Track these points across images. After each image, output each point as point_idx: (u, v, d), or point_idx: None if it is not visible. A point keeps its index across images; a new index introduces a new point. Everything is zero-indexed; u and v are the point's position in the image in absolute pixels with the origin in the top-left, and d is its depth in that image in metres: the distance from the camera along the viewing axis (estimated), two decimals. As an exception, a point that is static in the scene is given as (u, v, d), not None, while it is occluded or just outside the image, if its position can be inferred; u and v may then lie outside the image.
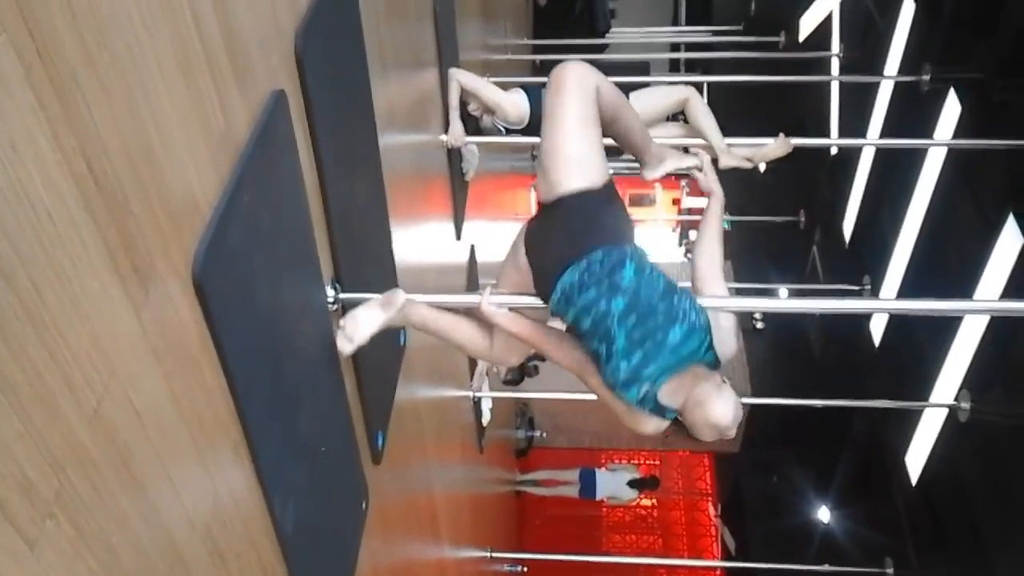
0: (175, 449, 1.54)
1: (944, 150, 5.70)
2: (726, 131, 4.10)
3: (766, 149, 4.11)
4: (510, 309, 2.35)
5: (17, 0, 1.10)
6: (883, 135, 6.80)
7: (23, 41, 1.11)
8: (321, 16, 2.29)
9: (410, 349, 3.41)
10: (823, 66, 8.35)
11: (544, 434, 11.16)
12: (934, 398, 5.60)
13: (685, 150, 4.31)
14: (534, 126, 4.47)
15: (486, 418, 6.35)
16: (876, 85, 6.93)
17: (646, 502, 13.46)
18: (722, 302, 2.33)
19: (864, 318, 6.93)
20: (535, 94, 4.55)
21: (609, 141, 2.35)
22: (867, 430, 7.20)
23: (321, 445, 2.30)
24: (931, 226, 5.97)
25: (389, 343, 2.77)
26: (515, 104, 4.51)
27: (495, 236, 6.43)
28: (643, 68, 11.35)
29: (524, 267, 2.29)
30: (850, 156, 7.68)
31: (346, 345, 2.46)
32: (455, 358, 5.20)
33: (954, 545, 5.59)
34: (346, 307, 2.54)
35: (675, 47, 14.05)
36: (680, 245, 16.30)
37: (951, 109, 5.60)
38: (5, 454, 1.09)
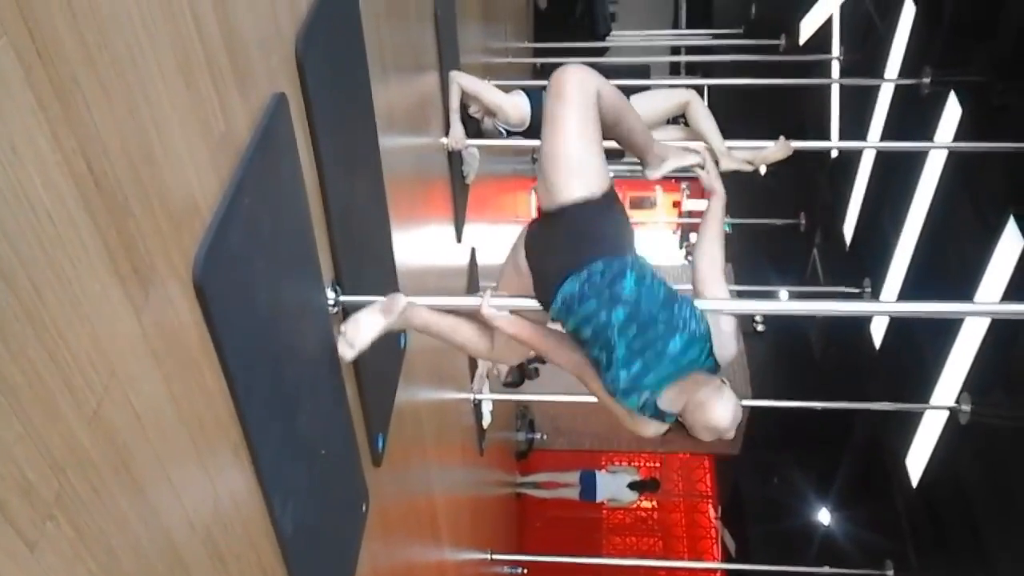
0: (175, 451, 1.54)
1: (944, 153, 5.70)
2: (726, 134, 4.10)
3: (766, 152, 4.11)
4: (510, 312, 2.36)
5: (17, 1, 1.10)
6: (883, 138, 6.80)
7: (23, 42, 1.11)
8: (322, 18, 2.29)
9: (410, 351, 3.41)
10: (823, 69, 8.36)
11: (544, 436, 11.15)
12: (935, 400, 5.59)
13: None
14: (535, 128, 4.48)
15: (486, 420, 6.35)
16: (876, 88, 6.93)
17: (646, 504, 13.44)
18: (723, 305, 2.33)
19: (865, 320, 6.92)
20: (536, 96, 4.55)
21: (610, 143, 2.35)
22: (867, 432, 7.20)
23: (321, 447, 2.30)
24: (932, 229, 5.97)
25: (389, 346, 2.77)
26: (516, 106, 4.51)
27: (496, 239, 6.43)
28: (643, 71, 11.38)
29: (524, 270, 2.30)
30: (850, 159, 7.68)
31: (347, 351, 2.46)
32: (455, 360, 5.20)
33: (954, 547, 5.59)
34: (346, 309, 2.54)
35: (675, 50, 14.05)
36: (681, 248, 16.30)
37: (951, 112, 5.60)
38: (5, 455, 1.09)
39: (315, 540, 2.26)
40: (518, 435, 10.74)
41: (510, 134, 4.63)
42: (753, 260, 11.07)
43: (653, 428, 2.24)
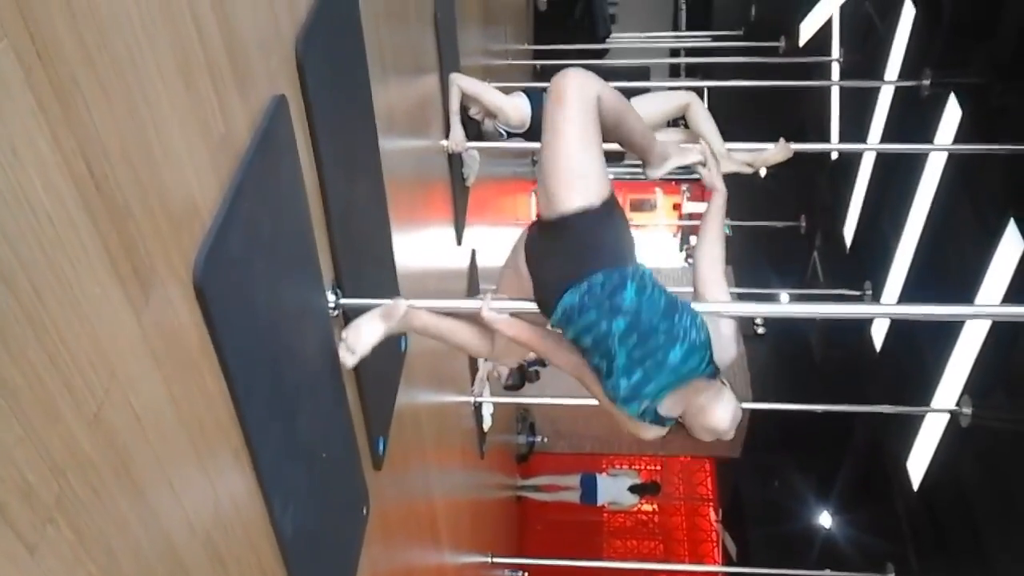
0: (175, 453, 1.54)
1: (944, 155, 5.71)
2: (726, 136, 4.10)
3: (766, 154, 4.11)
4: (511, 315, 2.36)
5: (18, 2, 1.10)
6: (883, 140, 6.80)
7: (23, 43, 1.11)
8: (321, 20, 2.29)
9: (411, 354, 3.41)
10: (823, 71, 8.37)
11: (545, 439, 11.14)
12: (935, 403, 5.59)
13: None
14: (535, 130, 4.48)
15: (487, 423, 6.34)
16: (876, 90, 6.94)
17: (647, 507, 13.43)
18: (723, 307, 2.33)
19: (865, 323, 6.93)
20: (536, 97, 4.55)
21: (611, 144, 2.35)
22: (868, 435, 7.20)
23: (322, 450, 2.30)
24: (932, 231, 5.97)
25: (390, 349, 2.77)
26: (517, 108, 4.51)
27: (496, 241, 6.43)
28: (643, 73, 11.39)
29: (524, 274, 2.29)
30: (850, 161, 7.69)
31: (349, 357, 2.48)
32: (456, 363, 5.20)
33: (955, 550, 5.58)
34: (346, 312, 2.54)
35: (675, 52, 14.04)
36: (681, 250, 16.29)
37: (951, 114, 5.60)
38: (5, 458, 1.08)
39: (315, 543, 2.26)
40: (519, 438, 10.74)
41: (510, 135, 4.63)
42: (753, 262, 11.07)
43: (653, 432, 2.27)
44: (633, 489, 11.00)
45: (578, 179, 2.10)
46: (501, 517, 9.12)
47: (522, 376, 5.77)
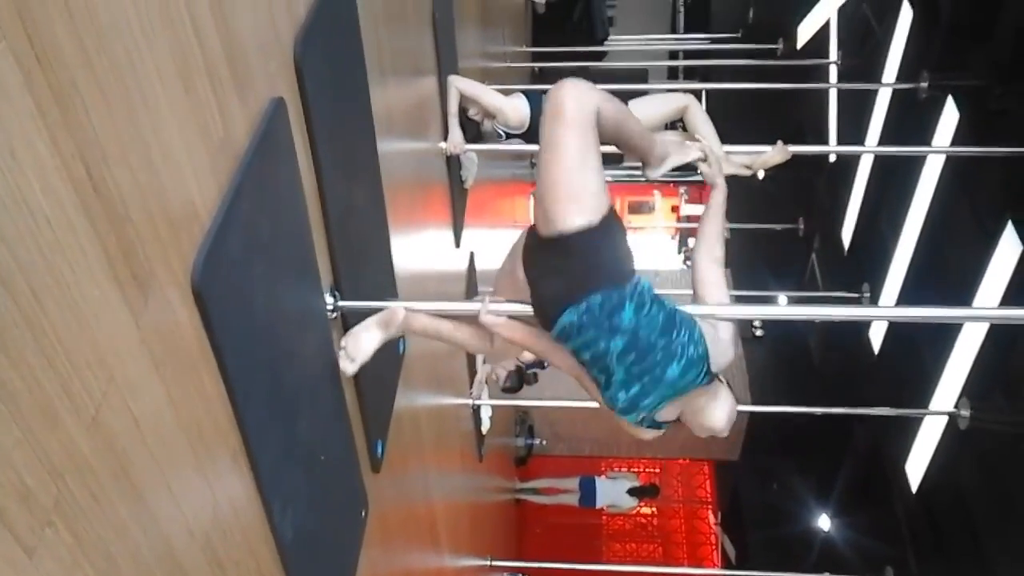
0: (174, 457, 1.54)
1: (942, 157, 5.71)
2: (724, 138, 4.09)
3: (765, 156, 4.11)
4: (509, 317, 2.36)
5: (16, 6, 1.10)
6: (881, 142, 6.81)
7: (22, 47, 1.11)
8: (320, 23, 2.29)
9: (409, 357, 3.41)
10: (821, 73, 8.37)
11: (544, 442, 11.14)
12: (934, 406, 5.59)
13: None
14: (534, 130, 4.49)
15: (485, 426, 6.34)
16: (874, 92, 6.94)
17: (646, 510, 13.44)
18: (721, 310, 2.33)
19: (863, 326, 6.93)
20: (535, 98, 4.56)
21: (609, 147, 2.34)
22: (867, 438, 7.19)
23: (320, 453, 2.30)
24: (930, 233, 5.97)
25: (388, 351, 2.77)
26: (516, 109, 4.52)
27: (494, 243, 6.43)
28: (641, 75, 11.39)
29: (521, 279, 2.28)
30: (849, 163, 7.69)
31: (349, 365, 2.50)
32: (454, 366, 5.19)
33: (954, 553, 5.58)
34: (345, 314, 2.54)
35: (673, 54, 14.06)
36: (679, 252, 16.28)
37: (949, 116, 5.61)
38: (4, 461, 1.08)
39: (314, 546, 2.25)
40: (517, 441, 10.74)
41: (509, 136, 4.64)
42: (751, 265, 11.08)
43: (650, 434, 2.29)
44: (632, 492, 11.01)
45: (576, 198, 2.04)
46: (500, 520, 9.12)
47: (520, 378, 5.77)
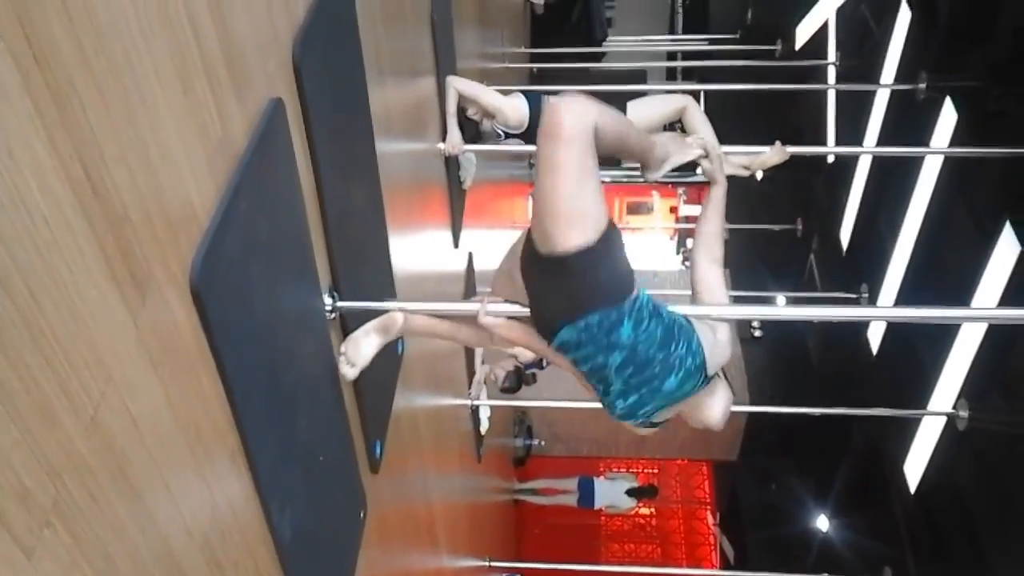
0: (172, 457, 1.54)
1: (941, 158, 5.71)
2: (723, 139, 4.09)
3: (763, 157, 4.12)
4: (508, 318, 2.36)
5: (15, 6, 1.10)
6: (879, 143, 6.81)
7: (20, 47, 1.11)
8: (318, 23, 2.29)
9: (408, 357, 3.41)
10: (819, 74, 8.37)
11: (542, 442, 11.14)
12: (932, 406, 5.59)
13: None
14: (533, 131, 4.49)
15: (484, 426, 6.34)
16: (872, 93, 6.95)
17: (645, 511, 13.44)
18: (720, 311, 2.33)
19: (862, 326, 6.93)
20: (534, 98, 4.57)
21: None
22: (865, 438, 7.19)
23: (319, 454, 2.30)
24: (928, 234, 5.97)
25: (387, 352, 2.77)
26: (515, 108, 4.52)
27: (493, 244, 6.43)
28: (640, 76, 11.38)
29: (519, 283, 2.27)
30: (847, 164, 7.69)
31: (349, 370, 2.53)
32: (453, 366, 5.19)
33: (953, 554, 5.58)
34: (344, 315, 2.54)
35: (672, 55, 14.08)
36: (678, 253, 16.29)
37: (947, 117, 5.61)
38: (2, 462, 1.08)
39: (313, 547, 2.25)
40: (516, 441, 10.74)
41: (508, 136, 4.64)
42: (750, 265, 11.08)
43: (648, 432, 2.31)
44: (631, 492, 11.01)
45: (575, 219, 1.98)
46: (498, 521, 9.11)
47: (519, 379, 5.77)
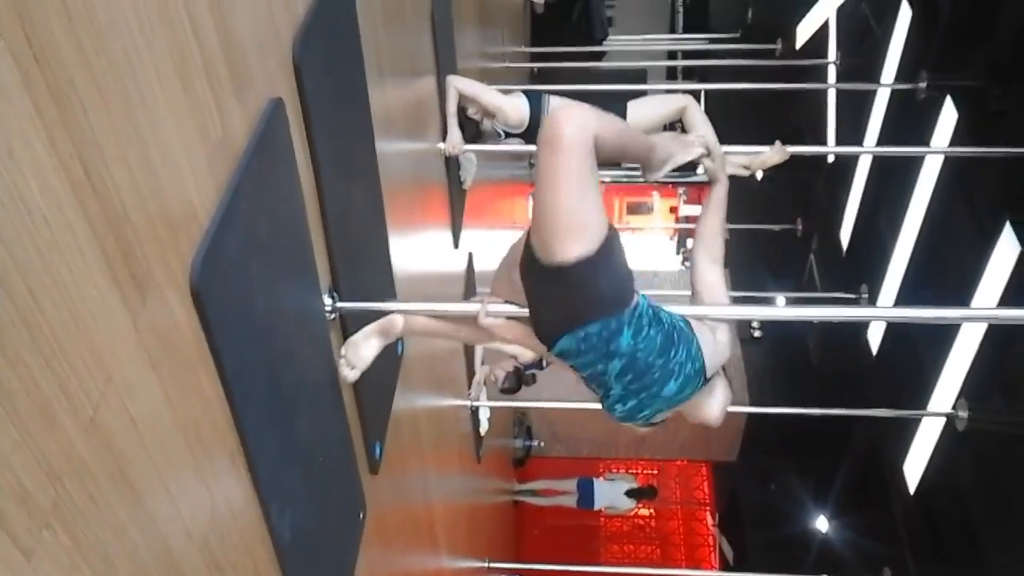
0: (172, 458, 1.53)
1: (941, 158, 5.71)
2: (723, 139, 4.08)
3: (763, 157, 4.11)
4: (508, 318, 2.36)
5: (15, 5, 1.09)
6: (880, 143, 6.80)
7: (20, 46, 1.10)
8: (319, 22, 2.29)
9: (408, 358, 3.40)
10: (820, 74, 8.37)
11: (542, 443, 11.14)
12: (932, 407, 5.59)
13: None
14: (533, 130, 4.49)
15: (484, 427, 6.34)
16: (873, 93, 6.94)
17: (644, 512, 13.44)
18: (719, 311, 2.33)
19: (862, 326, 6.93)
20: (535, 98, 4.56)
21: None
22: (865, 439, 7.19)
23: (319, 454, 2.29)
24: (928, 234, 5.97)
25: (387, 352, 2.77)
26: (516, 108, 4.52)
27: (493, 244, 6.43)
28: (640, 76, 11.38)
29: (518, 285, 2.27)
30: (847, 164, 7.69)
31: (349, 372, 2.53)
32: (453, 367, 5.19)
33: (952, 554, 5.58)
34: (344, 316, 2.54)
35: (672, 55, 14.07)
36: (678, 253, 16.29)
37: (948, 117, 5.60)
38: (2, 463, 1.08)
39: (312, 548, 2.25)
40: (515, 442, 10.74)
41: (508, 135, 4.64)
42: (750, 265, 11.08)
43: (647, 430, 2.31)
44: (630, 493, 11.00)
45: (575, 230, 1.97)
46: (498, 521, 9.11)
47: (518, 379, 5.76)
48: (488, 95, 4.52)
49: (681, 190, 16.12)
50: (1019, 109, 4.83)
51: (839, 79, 7.90)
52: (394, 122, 3.37)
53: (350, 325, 2.57)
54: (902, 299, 6.42)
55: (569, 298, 2.05)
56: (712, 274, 2.42)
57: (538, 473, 11.58)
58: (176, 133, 1.53)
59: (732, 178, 4.00)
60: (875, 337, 6.91)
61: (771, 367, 10.51)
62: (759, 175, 4.40)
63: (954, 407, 5.09)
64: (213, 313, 1.62)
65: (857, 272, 7.37)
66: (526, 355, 5.10)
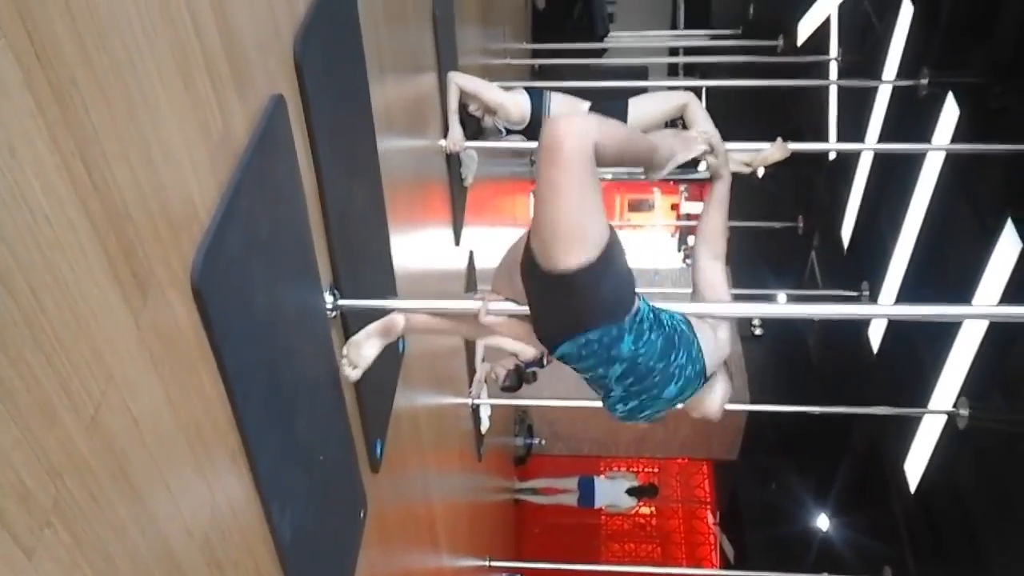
0: (173, 457, 1.53)
1: (942, 155, 5.70)
2: (724, 136, 4.07)
3: (764, 154, 4.10)
4: (509, 316, 2.36)
5: (16, 4, 1.09)
6: (881, 140, 6.79)
7: (22, 44, 1.10)
8: (320, 20, 2.28)
9: (408, 356, 3.40)
10: (821, 70, 8.36)
11: (543, 441, 11.13)
12: (932, 405, 5.59)
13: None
14: (535, 127, 4.48)
15: (485, 425, 6.33)
16: (874, 89, 6.93)
17: (645, 510, 13.45)
18: (720, 309, 2.33)
19: (863, 324, 6.92)
20: (536, 94, 4.55)
21: None
22: (866, 437, 7.19)
23: (319, 453, 2.29)
24: (929, 231, 5.96)
25: (388, 351, 2.76)
26: (517, 104, 4.50)
27: (494, 242, 6.42)
28: (641, 72, 11.38)
29: (519, 285, 2.26)
30: (848, 161, 7.68)
31: (351, 371, 2.53)
32: (453, 365, 5.19)
33: (952, 553, 5.57)
34: (345, 313, 2.53)
35: (673, 51, 14.05)
36: (679, 250, 16.30)
37: (949, 113, 5.60)
38: (3, 461, 1.07)
39: (313, 547, 2.25)
40: (516, 440, 10.73)
41: (510, 132, 4.63)
42: (751, 263, 11.07)
43: (647, 424, 2.32)
44: (631, 492, 11.00)
45: (576, 239, 1.95)
46: (499, 520, 9.11)
47: (519, 377, 5.76)
48: (489, 92, 4.51)
49: (682, 187, 16.12)
50: (1020, 106, 4.83)
51: (840, 76, 7.90)
52: (395, 119, 3.37)
53: (351, 323, 2.57)
54: (903, 297, 6.42)
55: (570, 305, 2.05)
56: (714, 271, 2.42)
57: (539, 471, 11.58)
58: (177, 131, 1.53)
59: (733, 175, 4.01)
60: (876, 335, 6.91)
61: (772, 365, 10.50)
62: (760, 172, 4.39)
63: (955, 405, 5.08)
64: (214, 311, 1.62)
65: (858, 270, 7.36)
66: (527, 353, 5.10)
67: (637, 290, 2.11)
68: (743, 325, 10.25)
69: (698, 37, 12.79)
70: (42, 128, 1.15)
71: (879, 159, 7.03)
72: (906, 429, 6.10)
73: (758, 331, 10.77)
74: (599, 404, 2.27)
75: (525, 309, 2.27)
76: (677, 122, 4.42)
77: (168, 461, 1.51)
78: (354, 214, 2.65)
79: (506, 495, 10.27)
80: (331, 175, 2.37)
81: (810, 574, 7.19)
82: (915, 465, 6.00)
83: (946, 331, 5.37)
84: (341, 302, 2.50)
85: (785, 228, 9.69)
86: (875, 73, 6.91)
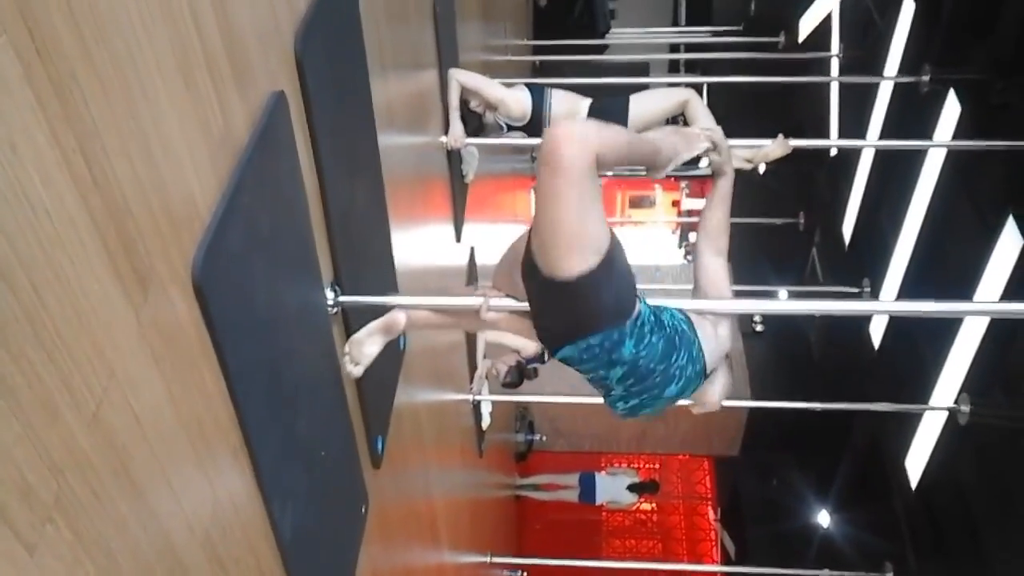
0: (174, 453, 1.53)
1: (944, 151, 5.70)
2: (725, 132, 4.08)
3: (766, 150, 4.09)
4: (510, 312, 2.36)
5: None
6: (882, 136, 6.79)
7: (22, 39, 1.10)
8: (321, 17, 2.28)
9: (409, 353, 3.40)
10: (823, 67, 8.36)
11: (544, 438, 11.14)
12: (934, 401, 5.58)
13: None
14: (536, 123, 4.48)
15: (486, 422, 6.34)
16: (876, 86, 6.93)
17: (646, 506, 13.44)
18: (721, 306, 2.33)
19: (864, 320, 6.92)
20: (537, 91, 4.55)
21: None
22: (867, 434, 7.19)
23: (321, 449, 2.29)
24: (931, 228, 5.96)
25: (389, 347, 2.77)
26: (518, 100, 4.50)
27: (495, 238, 6.42)
28: (643, 69, 11.37)
29: (519, 285, 2.26)
30: (849, 157, 7.68)
31: (353, 368, 2.53)
32: (454, 361, 5.19)
33: (954, 549, 5.58)
34: (346, 310, 2.53)
35: (675, 48, 14.04)
36: (680, 247, 16.29)
37: (951, 110, 5.59)
38: (5, 457, 1.07)
39: (314, 543, 2.25)
40: (517, 436, 10.73)
41: (511, 128, 4.63)
42: (752, 259, 11.06)
43: (647, 419, 2.35)
44: (632, 488, 11.00)
45: (577, 246, 1.94)
46: (500, 516, 9.12)
47: (520, 374, 5.77)
48: (490, 88, 4.51)
49: (684, 183, 16.11)
50: (1022, 102, 4.82)
51: (842, 72, 7.89)
52: (396, 116, 3.36)
53: (352, 319, 2.57)
54: (904, 293, 6.41)
55: (570, 311, 2.05)
56: (715, 268, 2.41)
57: (540, 467, 11.58)
58: (178, 127, 1.53)
59: (735, 172, 4.00)
60: (877, 331, 6.90)
61: (773, 361, 10.51)
62: (761, 168, 4.39)
63: (956, 402, 5.07)
64: (215, 308, 1.62)
65: (859, 266, 7.36)
66: (528, 349, 5.10)
67: (638, 290, 2.11)
68: (744, 321, 10.26)
69: (699, 34, 12.78)
70: (42, 123, 1.14)
71: (880, 155, 7.03)
72: (907, 425, 6.10)
73: (759, 327, 10.78)
74: (600, 400, 2.27)
75: (526, 306, 2.27)
76: (678, 119, 4.42)
77: (169, 457, 1.51)
78: (355, 211, 2.65)
79: (507, 491, 10.28)
80: (332, 172, 2.37)
81: (811, 570, 7.19)
82: (916, 461, 6.00)
83: (947, 327, 5.37)
84: (342, 298, 2.50)
85: (786, 224, 9.69)
86: (876, 69, 6.90)
